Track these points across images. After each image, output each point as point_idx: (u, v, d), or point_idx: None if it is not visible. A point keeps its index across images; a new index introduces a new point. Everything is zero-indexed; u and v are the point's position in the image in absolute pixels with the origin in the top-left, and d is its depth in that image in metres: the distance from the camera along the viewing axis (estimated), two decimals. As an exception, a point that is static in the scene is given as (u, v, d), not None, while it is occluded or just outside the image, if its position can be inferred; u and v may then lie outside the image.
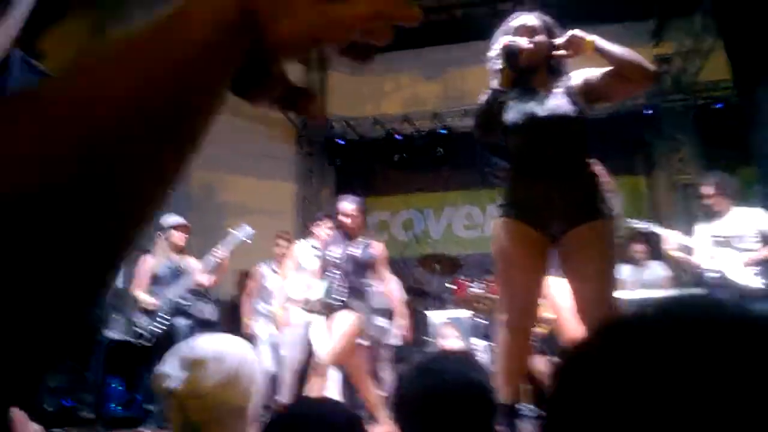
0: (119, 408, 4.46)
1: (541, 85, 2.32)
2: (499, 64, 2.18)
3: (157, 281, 4.69)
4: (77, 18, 7.80)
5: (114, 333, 4.82)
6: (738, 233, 4.25)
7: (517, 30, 2.34)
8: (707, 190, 4.36)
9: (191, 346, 1.43)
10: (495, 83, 2.18)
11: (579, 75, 2.37)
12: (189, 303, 4.63)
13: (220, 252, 4.62)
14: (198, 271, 4.69)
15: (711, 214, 4.46)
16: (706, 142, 8.22)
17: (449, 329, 5.16)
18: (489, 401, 1.33)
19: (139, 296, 4.64)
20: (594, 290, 2.21)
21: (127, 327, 4.77)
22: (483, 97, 2.22)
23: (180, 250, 4.83)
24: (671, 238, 4.34)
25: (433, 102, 9.21)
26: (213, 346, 1.43)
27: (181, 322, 4.55)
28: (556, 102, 2.27)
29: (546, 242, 2.27)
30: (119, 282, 4.90)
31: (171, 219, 4.90)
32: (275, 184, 8.88)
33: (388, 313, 5.21)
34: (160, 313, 4.55)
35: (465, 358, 1.52)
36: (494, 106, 2.20)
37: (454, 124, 8.71)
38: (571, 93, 2.31)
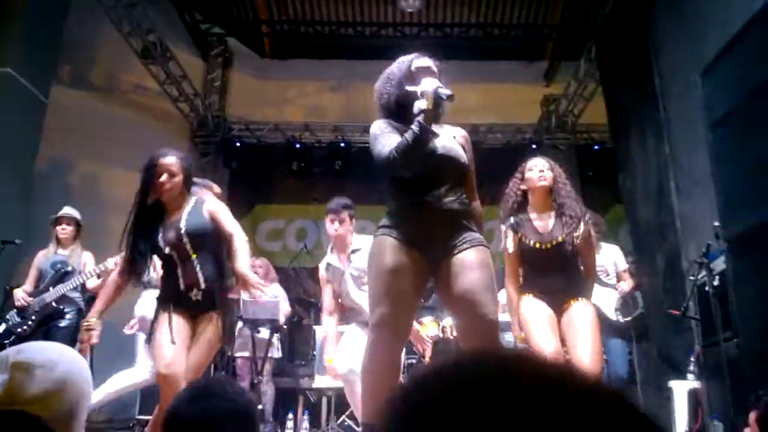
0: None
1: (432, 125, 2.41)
2: (424, 104, 2.24)
3: (40, 277, 4.40)
4: None
5: None
6: (603, 268, 4.60)
7: (422, 71, 2.42)
8: None
9: (19, 350, 1.32)
10: (421, 121, 2.24)
11: (460, 136, 2.56)
12: (64, 306, 4.32)
13: (114, 260, 4.34)
14: (87, 272, 4.42)
15: None
16: (584, 179, 8.88)
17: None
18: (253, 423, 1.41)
19: (15, 291, 4.34)
20: (474, 310, 2.27)
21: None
22: (408, 135, 2.25)
23: (71, 243, 4.55)
24: None
25: (335, 114, 9.26)
26: (44, 353, 1.33)
27: (57, 324, 4.27)
28: (453, 145, 2.44)
29: (426, 266, 2.35)
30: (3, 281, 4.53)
31: (62, 211, 4.62)
32: (164, 182, 8.52)
33: (273, 326, 5.15)
34: (31, 313, 4.25)
35: (230, 381, 1.61)
36: (424, 145, 2.27)
37: (354, 138, 8.80)
38: (457, 141, 2.51)
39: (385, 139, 2.35)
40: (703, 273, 3.65)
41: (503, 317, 3.42)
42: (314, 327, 5.94)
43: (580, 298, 3.02)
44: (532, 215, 3.10)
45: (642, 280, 4.94)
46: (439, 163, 2.36)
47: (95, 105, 7.81)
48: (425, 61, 2.48)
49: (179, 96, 8.34)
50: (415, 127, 2.23)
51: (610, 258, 4.71)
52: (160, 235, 2.85)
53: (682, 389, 3.92)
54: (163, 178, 2.83)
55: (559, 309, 3.02)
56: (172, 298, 2.85)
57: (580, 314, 2.96)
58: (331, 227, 3.84)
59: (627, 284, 4.63)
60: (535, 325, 2.94)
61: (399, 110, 2.43)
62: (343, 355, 3.56)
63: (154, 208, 2.90)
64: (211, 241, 2.89)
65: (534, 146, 8.85)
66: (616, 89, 5.92)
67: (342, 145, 8.72)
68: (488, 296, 2.30)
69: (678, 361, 4.41)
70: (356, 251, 3.75)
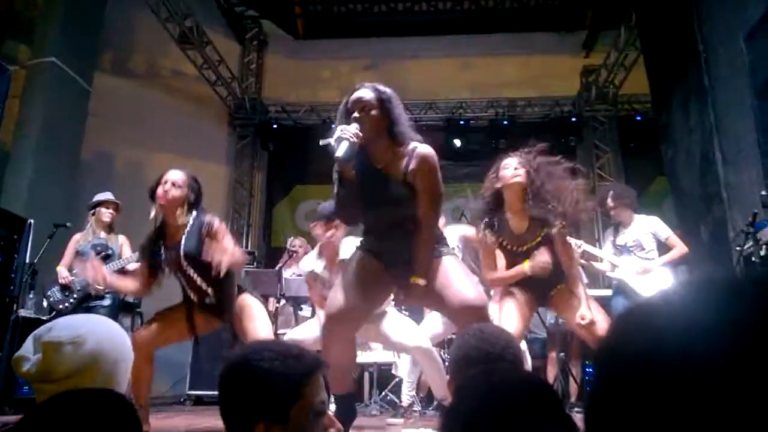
0: (29, 390, 4.28)
1: (381, 159, 2.43)
2: (336, 161, 2.30)
3: (79, 258, 4.57)
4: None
5: (27, 311, 4.64)
6: (638, 242, 4.50)
7: (354, 104, 2.40)
8: (609, 202, 4.57)
9: (49, 328, 1.38)
10: (335, 177, 2.41)
11: (418, 163, 2.40)
12: (104, 287, 4.50)
13: None
14: (127, 257, 4.58)
15: (615, 224, 4.67)
16: (626, 151, 8.69)
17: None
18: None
19: (57, 269, 4.53)
20: (460, 298, 2.37)
21: (40, 304, 4.61)
22: (336, 190, 2.45)
23: (108, 228, 4.71)
24: (576, 246, 4.44)
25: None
26: (73, 329, 1.37)
27: (100, 303, 4.45)
28: (394, 189, 2.40)
29: (388, 274, 2.50)
30: (35, 259, 4.71)
31: (99, 196, 4.78)
32: (205, 165, 8.66)
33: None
34: (73, 291, 4.43)
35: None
36: (348, 198, 2.41)
37: (390, 117, 8.77)
38: (407, 175, 2.40)
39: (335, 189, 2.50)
40: (750, 243, 3.56)
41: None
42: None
43: (561, 285, 3.06)
44: (508, 215, 3.05)
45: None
46: (382, 213, 2.45)
47: (136, 91, 8.01)
48: (358, 93, 2.42)
49: (217, 80, 8.47)
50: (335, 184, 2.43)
51: (647, 230, 4.53)
52: (163, 257, 2.98)
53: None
54: (167, 186, 2.93)
55: (545, 299, 3.08)
56: (189, 301, 3.08)
57: (572, 298, 3.01)
58: (323, 235, 3.77)
59: (677, 251, 4.44)
60: (505, 310, 3.03)
61: None
62: (413, 330, 3.66)
63: (159, 228, 3.03)
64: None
65: (573, 119, 8.68)
66: (658, 57, 5.73)
67: (378, 123, 8.72)
68: (469, 282, 2.43)
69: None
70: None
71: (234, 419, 1.17)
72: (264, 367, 1.16)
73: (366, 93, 2.40)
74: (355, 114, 2.35)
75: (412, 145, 2.42)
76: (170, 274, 3.04)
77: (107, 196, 4.81)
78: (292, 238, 6.02)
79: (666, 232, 4.50)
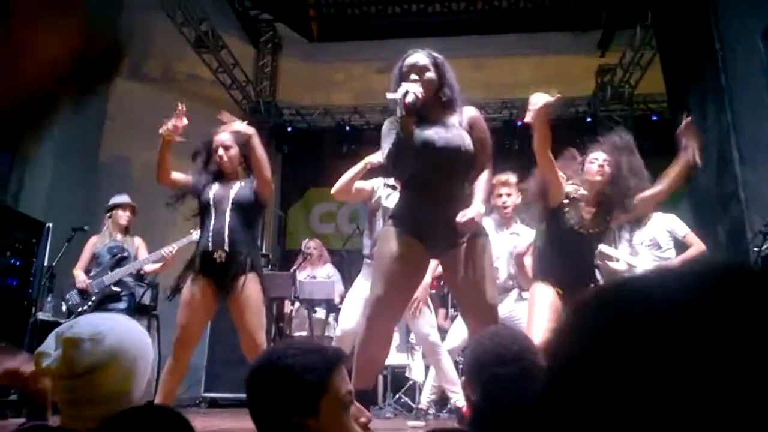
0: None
1: (435, 116, 2.48)
2: (398, 113, 2.34)
3: (96, 261, 4.63)
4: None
5: (45, 314, 4.71)
6: (654, 240, 4.41)
7: (410, 69, 2.47)
8: None
9: (71, 325, 1.41)
10: (399, 131, 2.36)
11: (471, 118, 2.53)
12: (121, 290, 4.55)
13: (170, 249, 4.52)
14: (143, 258, 4.64)
15: (632, 222, 4.57)
16: (641, 151, 8.59)
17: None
18: None
19: (75, 273, 4.59)
20: (479, 296, 2.44)
21: (58, 307, 4.67)
22: (391, 143, 2.40)
23: (124, 230, 4.77)
24: None
25: (384, 96, 9.22)
26: (93, 326, 1.39)
27: (117, 306, 4.50)
28: (451, 134, 2.44)
29: (426, 254, 2.52)
30: (54, 262, 4.78)
31: (115, 198, 4.84)
32: (220, 168, 8.73)
33: (329, 305, 5.26)
34: (91, 294, 4.49)
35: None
36: (403, 151, 2.38)
37: (404, 119, 8.78)
38: (463, 127, 2.48)
39: (385, 141, 2.49)
40: (768, 244, 3.51)
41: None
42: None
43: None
44: (582, 202, 3.06)
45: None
46: (437, 158, 2.41)
47: (152, 95, 8.06)
48: (413, 58, 2.51)
49: (232, 83, 8.53)
50: (394, 136, 2.39)
51: (664, 228, 4.43)
52: (211, 188, 3.17)
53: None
54: (220, 152, 3.22)
55: (573, 298, 2.96)
56: (198, 261, 3.07)
57: None
58: None
59: (694, 250, 4.29)
60: (535, 314, 2.93)
61: None
62: (429, 320, 3.75)
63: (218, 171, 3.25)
64: (250, 213, 3.15)
65: (589, 119, 8.62)
66: (674, 56, 5.68)
67: (392, 125, 8.72)
68: (489, 284, 2.48)
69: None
70: None
71: (267, 417, 1.22)
72: (287, 363, 1.22)
73: (421, 57, 2.49)
74: (412, 77, 2.43)
75: (461, 105, 2.54)
76: (205, 208, 3.16)
77: (123, 198, 4.86)
78: (306, 240, 6.06)
79: (684, 229, 4.39)
